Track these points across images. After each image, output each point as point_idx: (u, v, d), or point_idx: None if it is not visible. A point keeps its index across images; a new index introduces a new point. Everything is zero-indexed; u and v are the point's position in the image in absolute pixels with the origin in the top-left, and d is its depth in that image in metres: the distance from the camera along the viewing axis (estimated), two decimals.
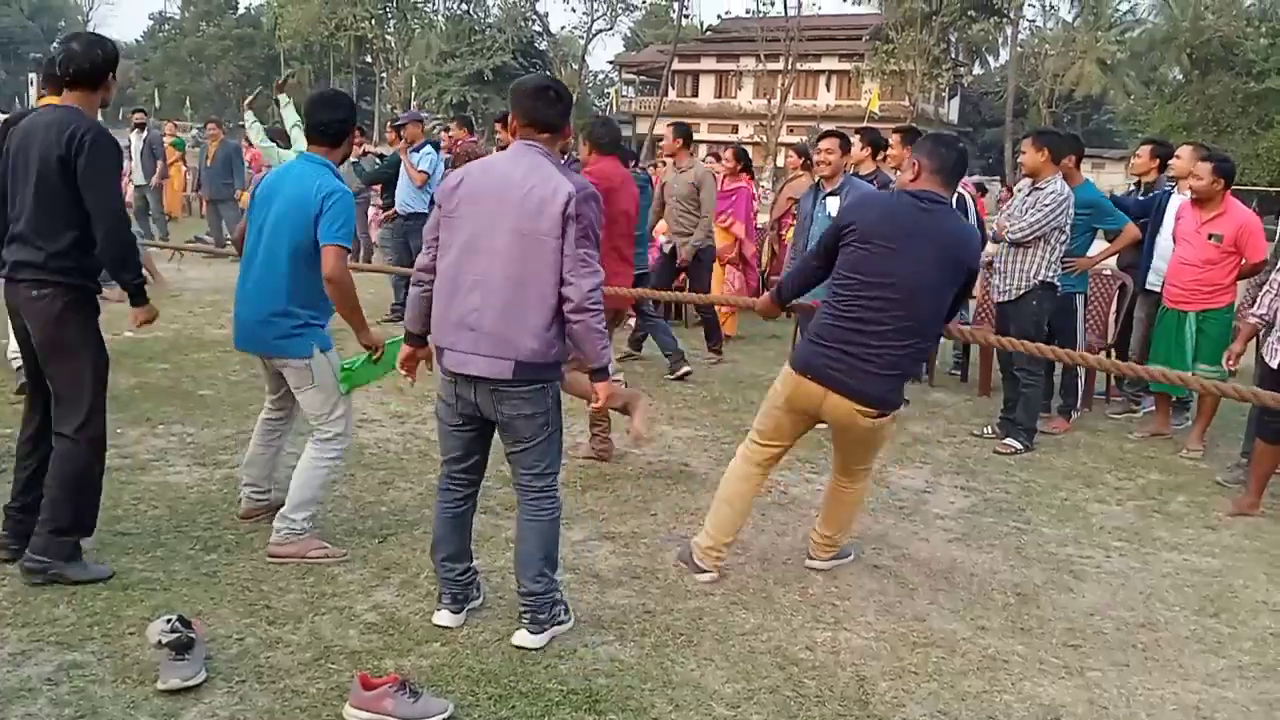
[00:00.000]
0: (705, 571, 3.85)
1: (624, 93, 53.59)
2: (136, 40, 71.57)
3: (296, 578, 3.66)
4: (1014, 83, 41.44)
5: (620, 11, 47.98)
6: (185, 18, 68.34)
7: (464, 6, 49.99)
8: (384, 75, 53.61)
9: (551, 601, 3.32)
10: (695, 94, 51.93)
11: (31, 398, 3.73)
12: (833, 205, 5.76)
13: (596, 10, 46.48)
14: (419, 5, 52.07)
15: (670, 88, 47.21)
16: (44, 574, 3.47)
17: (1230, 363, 5.37)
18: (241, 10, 67.03)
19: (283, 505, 3.87)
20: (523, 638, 3.27)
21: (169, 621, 2.98)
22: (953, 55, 43.35)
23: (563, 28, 51.20)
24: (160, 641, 2.93)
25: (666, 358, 7.51)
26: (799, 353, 3.72)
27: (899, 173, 4.55)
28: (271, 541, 3.83)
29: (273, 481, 4.20)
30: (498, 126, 9.05)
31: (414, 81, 43.70)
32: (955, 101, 51.20)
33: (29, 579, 3.47)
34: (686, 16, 48.11)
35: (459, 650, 3.22)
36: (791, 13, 40.00)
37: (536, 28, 49.22)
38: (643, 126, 46.70)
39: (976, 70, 49.01)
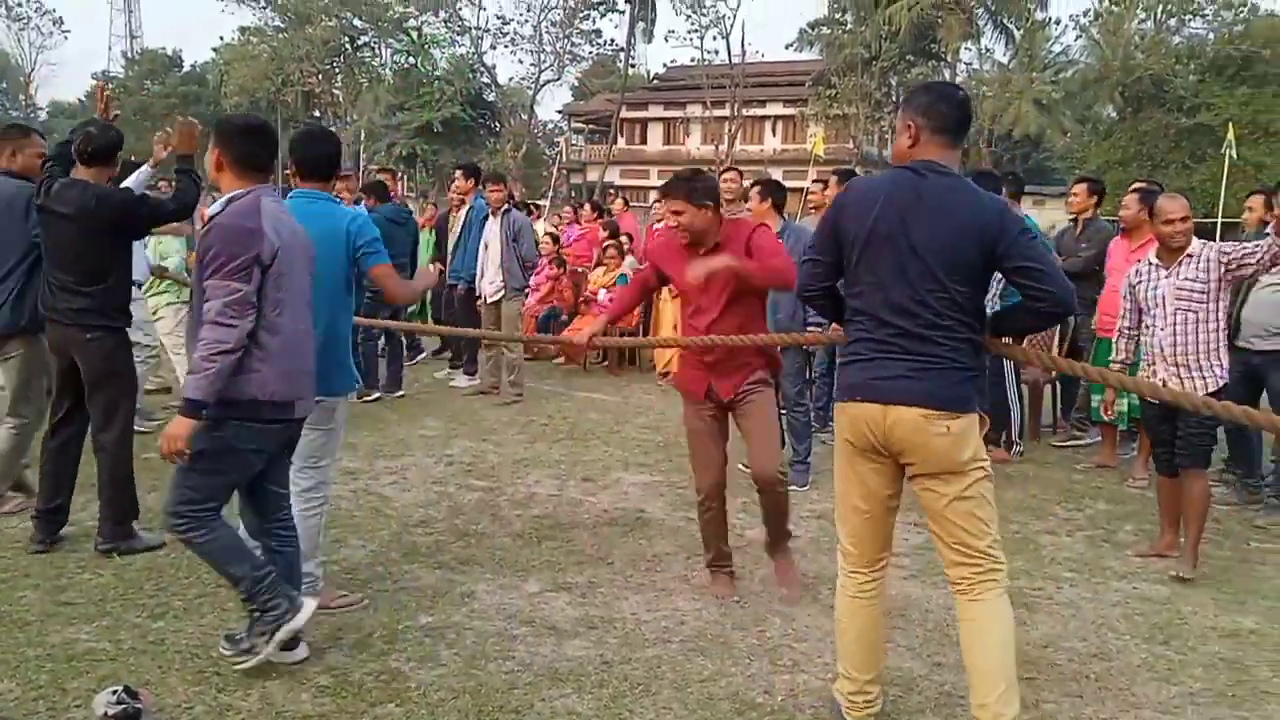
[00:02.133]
0: None
1: (574, 141, 54.03)
2: (80, 100, 70.93)
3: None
4: None
5: (567, 62, 48.39)
6: (129, 76, 67.92)
7: (411, 60, 50.21)
8: (333, 129, 53.61)
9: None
10: (644, 141, 52.48)
11: (58, 419, 4.53)
12: None
13: (544, 61, 46.91)
14: (366, 60, 52.21)
15: (619, 135, 47.67)
16: (116, 551, 4.38)
17: (1106, 411, 5.54)
18: (187, 68, 66.78)
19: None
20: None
21: (115, 693, 2.93)
22: (894, 98, 44.32)
23: (510, 79, 51.58)
24: (106, 714, 2.88)
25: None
26: (839, 385, 3.13)
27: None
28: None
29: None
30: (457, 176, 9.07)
31: (363, 135, 43.71)
32: None
33: (105, 555, 4.35)
34: (633, 66, 48.76)
35: (414, 710, 3.17)
36: (736, 60, 40.73)
37: (485, 79, 49.50)
38: (593, 174, 47.09)
39: None
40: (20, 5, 64.96)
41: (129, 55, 71.39)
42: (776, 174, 42.88)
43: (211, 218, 3.28)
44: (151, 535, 4.56)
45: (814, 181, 9.25)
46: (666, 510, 5.38)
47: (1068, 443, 7.07)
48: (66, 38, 71.80)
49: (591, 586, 4.26)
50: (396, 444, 6.57)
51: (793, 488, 5.79)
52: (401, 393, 8.28)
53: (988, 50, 42.02)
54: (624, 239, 10.77)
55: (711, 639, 3.78)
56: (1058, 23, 41.86)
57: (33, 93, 70.51)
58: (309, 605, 3.36)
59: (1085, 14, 39.85)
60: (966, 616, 2.99)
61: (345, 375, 3.79)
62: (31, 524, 4.53)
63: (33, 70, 67.75)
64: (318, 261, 3.52)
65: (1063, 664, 3.69)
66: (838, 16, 42.47)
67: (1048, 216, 28.55)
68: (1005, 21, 40.35)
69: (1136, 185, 6.73)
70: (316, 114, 54.85)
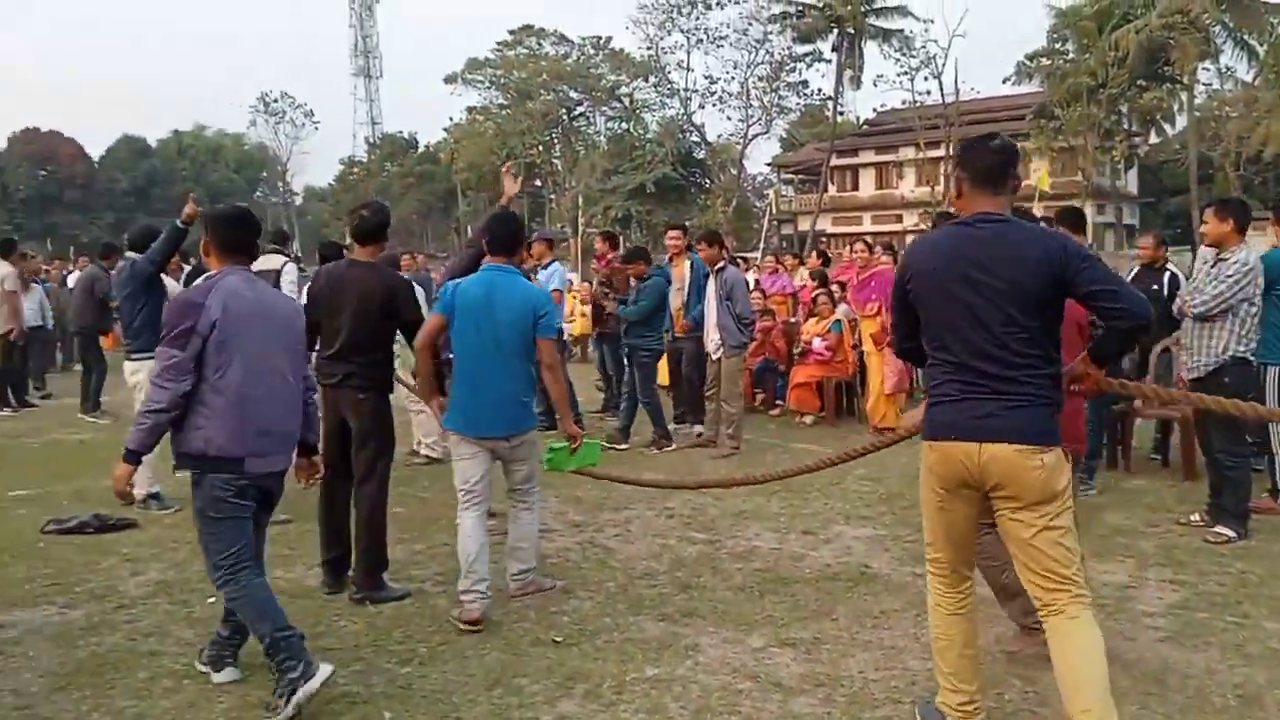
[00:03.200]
0: None
1: (784, 192, 54.09)
2: (329, 184, 77.74)
3: (485, 688, 3.76)
4: (1195, 149, 39.51)
5: (775, 115, 48.72)
6: (371, 159, 73.90)
7: (624, 125, 52.04)
8: (552, 196, 56.14)
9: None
10: (855, 187, 51.85)
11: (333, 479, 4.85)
12: None
13: (752, 116, 47.42)
14: (581, 129, 54.58)
15: (830, 183, 47.38)
16: (369, 600, 4.72)
17: None
18: (421, 149, 71.94)
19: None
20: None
21: None
22: (1125, 126, 41.85)
23: (719, 136, 52.29)
24: None
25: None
26: (929, 424, 3.23)
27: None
28: (513, 589, 4.77)
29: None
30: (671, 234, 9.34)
31: (580, 200, 45.51)
32: (1133, 172, 49.17)
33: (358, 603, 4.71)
34: (841, 113, 48.45)
35: None
36: (949, 99, 39.69)
37: (694, 138, 50.57)
38: (804, 224, 46.93)
39: (1153, 139, 47.05)
40: (277, 101, 72.16)
41: (370, 140, 77.75)
42: None
43: None
44: (399, 586, 4.88)
45: (1044, 219, 8.84)
46: (893, 565, 5.23)
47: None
48: (317, 128, 78.75)
49: (816, 643, 4.19)
50: (619, 497, 6.73)
51: None
52: (625, 446, 8.51)
53: (1229, 69, 38.97)
54: (835, 288, 10.69)
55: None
56: None
57: (289, 179, 77.87)
58: (324, 671, 3.56)
59: None
60: (1061, 632, 3.09)
61: (528, 416, 4.68)
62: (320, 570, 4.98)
63: (288, 159, 74.87)
64: (504, 325, 4.47)
65: None
66: (1058, 46, 40.63)
67: None
68: (1246, 38, 37.35)
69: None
70: (538, 183, 57.67)
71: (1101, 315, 3.07)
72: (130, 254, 6.95)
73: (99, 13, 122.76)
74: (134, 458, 3.60)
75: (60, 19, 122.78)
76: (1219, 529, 5.56)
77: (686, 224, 10.55)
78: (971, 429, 3.07)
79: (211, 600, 4.77)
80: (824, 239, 41.03)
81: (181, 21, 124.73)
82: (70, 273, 17.49)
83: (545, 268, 9.55)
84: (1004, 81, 42.95)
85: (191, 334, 3.55)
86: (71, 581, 5.10)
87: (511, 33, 53.57)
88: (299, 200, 76.26)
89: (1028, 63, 41.95)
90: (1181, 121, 42.82)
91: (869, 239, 10.68)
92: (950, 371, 3.14)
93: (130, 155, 74.13)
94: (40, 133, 71.69)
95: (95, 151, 74.25)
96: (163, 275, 6.77)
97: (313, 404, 4.09)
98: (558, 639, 4.25)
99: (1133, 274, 7.76)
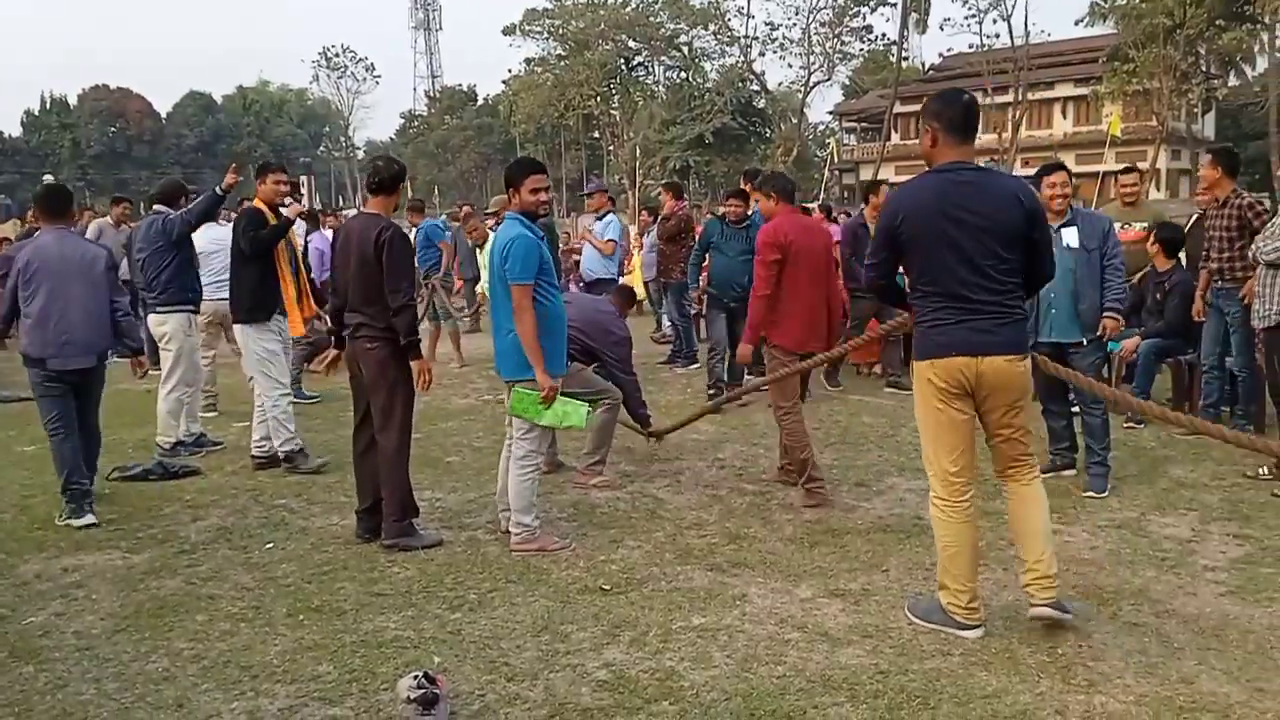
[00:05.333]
0: (975, 627, 3.72)
1: (845, 141, 53.15)
2: (390, 138, 78.28)
3: (532, 635, 3.79)
4: (1275, 92, 37.89)
5: (837, 62, 47.78)
6: (431, 113, 74.16)
7: (683, 75, 51.43)
8: (610, 148, 55.86)
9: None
10: (918, 135, 50.96)
11: (358, 425, 5.06)
12: (1068, 235, 5.44)
13: (813, 63, 46.55)
14: (640, 79, 54.07)
15: (894, 131, 46.43)
16: (397, 548, 4.78)
17: None
18: (480, 102, 71.95)
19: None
20: None
21: (416, 678, 3.16)
22: (1203, 68, 40.27)
23: (780, 84, 51.69)
24: (409, 698, 3.11)
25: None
26: (928, 343, 3.68)
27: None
28: (513, 542, 4.74)
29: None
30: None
31: (638, 151, 45.28)
32: (1210, 116, 47.43)
33: (388, 553, 4.75)
34: (906, 59, 47.36)
35: (687, 709, 3.22)
36: (1019, 43, 38.49)
37: (754, 87, 49.83)
38: (865, 173, 46.13)
39: (1232, 81, 45.24)
40: (338, 55, 72.57)
41: (431, 94, 77.95)
42: (1069, 159, 40.29)
43: None
44: (430, 533, 4.97)
45: (1125, 170, 8.51)
46: None
47: None
48: (378, 83, 79.10)
49: (866, 594, 4.15)
50: (671, 448, 6.71)
51: (1089, 494, 5.41)
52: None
53: None
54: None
55: (996, 653, 3.58)
56: None
57: (351, 134, 78.50)
58: (88, 519, 5.24)
59: None
60: (1019, 496, 3.78)
61: (522, 368, 4.65)
62: (354, 520, 5.04)
63: (350, 113, 75.42)
64: (494, 273, 4.69)
65: None
66: None
67: None
68: None
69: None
70: (595, 134, 57.40)
71: (1026, 270, 3.67)
72: (160, 207, 7.07)
73: None
74: None
75: None
76: None
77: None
78: (969, 345, 3.60)
79: (270, 545, 4.89)
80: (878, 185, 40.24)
81: None
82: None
83: (601, 218, 9.52)
84: (1076, 23, 41.84)
85: (6, 276, 5.31)
86: (134, 527, 5.25)
87: None
88: (361, 154, 76.81)
89: (1101, 3, 40.43)
90: (1262, 63, 41.09)
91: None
92: (942, 300, 3.62)
93: (197, 111, 75.35)
94: (109, 90, 73.14)
95: (163, 108, 75.53)
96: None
97: (125, 320, 5.52)
98: (605, 587, 4.26)
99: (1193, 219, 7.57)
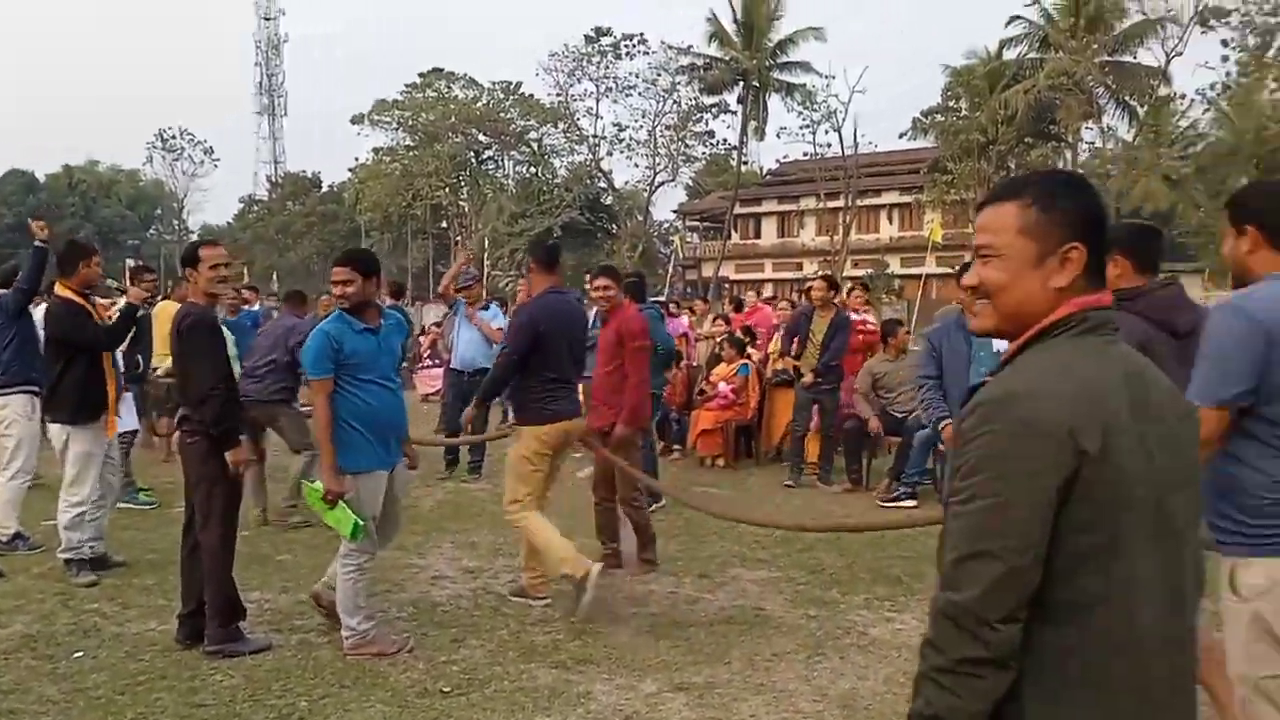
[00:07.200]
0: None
1: (689, 239, 54.80)
2: (228, 223, 75.92)
3: None
4: None
5: (681, 164, 49.46)
6: (273, 198, 72.49)
7: (532, 170, 52.18)
8: (458, 239, 55.80)
9: None
10: (758, 235, 52.89)
11: (185, 525, 4.77)
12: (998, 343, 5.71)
13: (659, 164, 48.04)
14: (490, 172, 54.52)
15: (733, 231, 48.17)
16: (221, 654, 4.45)
17: None
18: (325, 188, 70.87)
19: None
20: None
21: None
22: None
23: (626, 183, 52.89)
24: None
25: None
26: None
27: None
28: (347, 646, 4.48)
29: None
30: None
31: (487, 242, 45.27)
32: None
33: (210, 660, 4.42)
34: (746, 163, 49.45)
35: None
36: (849, 152, 40.89)
37: (602, 184, 50.95)
38: (707, 270, 47.61)
39: None
40: (175, 138, 70.46)
41: (273, 179, 76.32)
42: (894, 262, 42.33)
43: None
44: (258, 637, 4.70)
45: (961, 268, 9.02)
46: (786, 607, 5.25)
47: None
48: (216, 165, 76.88)
49: (709, 687, 4.16)
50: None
51: None
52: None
53: (1110, 128, 41.03)
54: (739, 332, 10.85)
55: None
56: (1183, 98, 40.44)
57: (185, 216, 75.83)
58: None
59: (1212, 87, 38.42)
60: None
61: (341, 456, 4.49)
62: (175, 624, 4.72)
63: (185, 196, 72.98)
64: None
65: None
66: (952, 104, 42.35)
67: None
68: (1127, 99, 39.46)
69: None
70: (443, 225, 57.29)
71: None
72: None
73: None
74: None
75: None
76: None
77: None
78: None
79: (79, 654, 4.53)
80: (727, 285, 41.68)
81: (76, 53, 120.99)
82: None
83: (486, 309, 9.64)
84: (900, 136, 44.53)
85: None
86: None
87: (421, 75, 53.35)
88: (195, 238, 74.14)
89: (923, 119, 43.64)
90: None
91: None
92: None
93: (17, 189, 71.34)
94: None
95: None
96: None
97: None
98: (446, 689, 4.13)
99: None
